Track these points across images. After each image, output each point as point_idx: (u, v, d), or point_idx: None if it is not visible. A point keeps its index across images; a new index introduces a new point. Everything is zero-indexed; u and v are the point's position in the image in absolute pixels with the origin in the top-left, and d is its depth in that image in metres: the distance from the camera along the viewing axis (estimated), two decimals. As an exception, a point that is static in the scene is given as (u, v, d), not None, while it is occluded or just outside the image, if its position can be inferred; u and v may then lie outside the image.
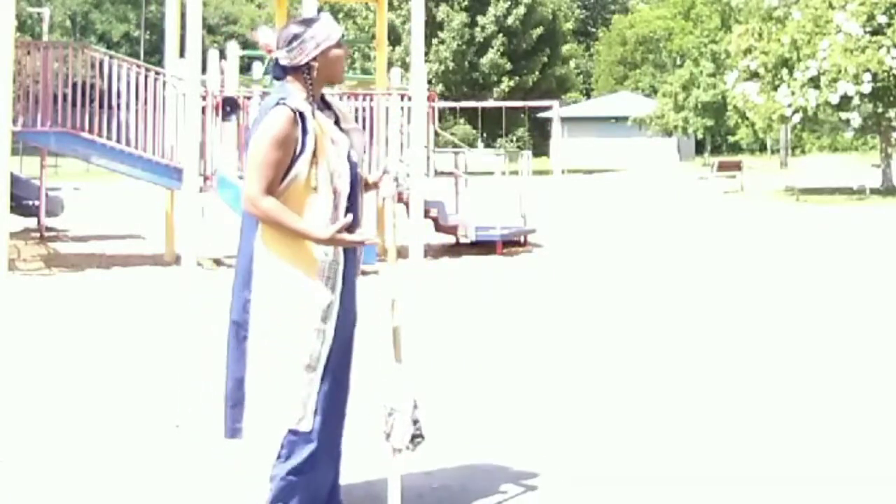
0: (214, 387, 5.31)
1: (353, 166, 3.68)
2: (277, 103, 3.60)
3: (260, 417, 3.56)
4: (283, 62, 3.69)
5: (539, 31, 50.77)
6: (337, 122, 3.75)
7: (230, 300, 3.71)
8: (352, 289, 3.68)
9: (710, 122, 50.99)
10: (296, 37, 3.66)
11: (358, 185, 3.73)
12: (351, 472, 3.91)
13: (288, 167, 3.55)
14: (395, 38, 44.32)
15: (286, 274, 3.54)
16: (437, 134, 15.74)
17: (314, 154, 3.56)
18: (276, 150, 3.53)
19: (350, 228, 3.58)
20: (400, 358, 3.79)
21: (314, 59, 3.66)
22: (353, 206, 3.65)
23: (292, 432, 3.53)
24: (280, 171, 3.54)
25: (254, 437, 3.59)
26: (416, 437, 3.70)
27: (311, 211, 3.54)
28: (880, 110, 27.77)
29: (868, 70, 26.12)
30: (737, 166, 32.59)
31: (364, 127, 12.48)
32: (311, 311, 3.53)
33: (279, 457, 3.56)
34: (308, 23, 3.73)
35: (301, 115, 3.58)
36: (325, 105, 3.77)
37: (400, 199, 3.87)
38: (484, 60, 49.17)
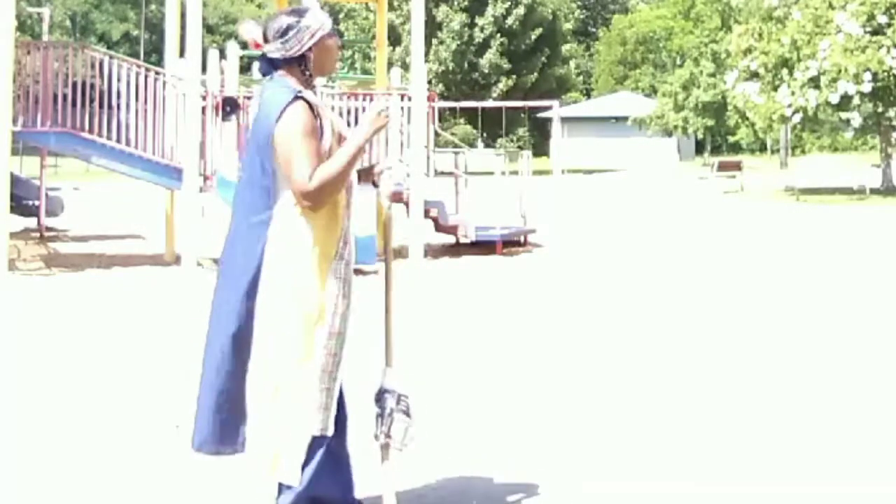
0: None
1: None
2: (295, 97, 3.49)
3: (282, 429, 3.46)
4: (275, 55, 3.59)
5: (539, 31, 50.78)
6: None
7: (220, 311, 3.55)
8: (354, 285, 3.67)
9: (710, 122, 50.98)
10: (290, 27, 3.57)
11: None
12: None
13: None
14: (395, 39, 44.32)
15: (302, 283, 3.46)
16: (437, 134, 15.73)
17: (329, 148, 3.53)
18: (310, 139, 3.46)
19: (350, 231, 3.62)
20: (391, 363, 3.77)
21: (310, 49, 3.58)
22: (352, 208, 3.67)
23: (315, 440, 3.48)
24: (319, 159, 3.46)
25: (282, 451, 3.47)
26: (409, 428, 3.68)
27: (330, 215, 3.52)
28: (880, 110, 27.79)
29: (868, 70, 26.13)
30: (737, 166, 32.61)
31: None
32: (330, 317, 3.49)
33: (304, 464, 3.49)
34: (300, 13, 3.62)
35: (317, 107, 3.55)
36: None
37: (399, 200, 3.86)
38: (483, 61, 49.17)
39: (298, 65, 3.59)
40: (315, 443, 3.49)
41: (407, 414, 3.67)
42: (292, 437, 3.46)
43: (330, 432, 3.50)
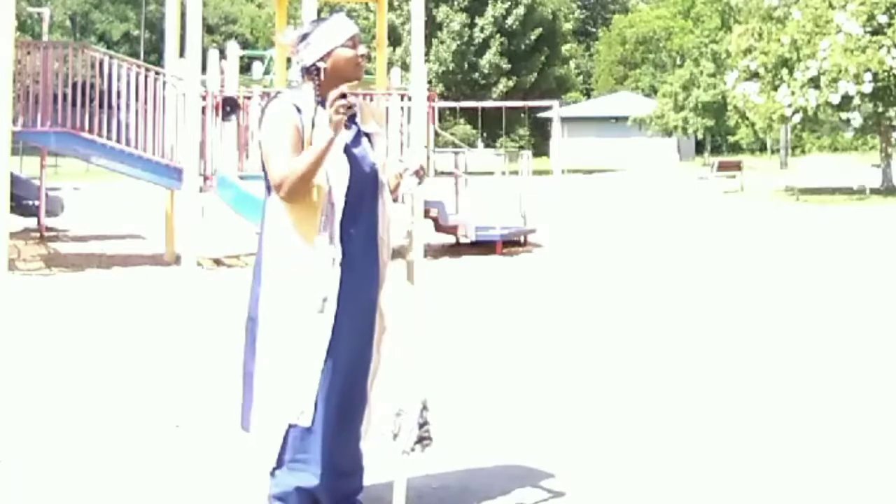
0: (215, 386, 5.32)
1: (369, 167, 3.65)
2: (274, 97, 3.65)
3: (264, 413, 3.55)
4: (297, 63, 3.66)
5: (538, 31, 50.80)
6: (353, 122, 3.70)
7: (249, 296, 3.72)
8: (367, 284, 3.65)
9: (710, 122, 50.99)
10: (304, 37, 3.62)
11: (378, 189, 3.69)
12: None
13: None
14: (395, 39, 44.35)
15: (286, 267, 3.55)
16: (437, 134, 15.74)
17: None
18: (284, 130, 3.52)
19: (367, 231, 3.63)
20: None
21: (321, 59, 3.60)
22: (368, 209, 3.64)
23: (293, 427, 3.51)
24: (296, 149, 3.50)
25: (258, 433, 3.58)
26: (424, 440, 3.68)
27: (306, 205, 3.53)
28: (881, 110, 27.78)
29: (868, 70, 26.13)
30: (737, 166, 32.62)
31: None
32: (307, 304, 3.51)
33: (281, 452, 3.54)
34: (318, 23, 3.68)
35: (298, 109, 3.57)
36: None
37: (395, 199, 3.86)
38: (483, 61, 49.19)
39: (312, 74, 3.62)
40: (313, 438, 3.51)
41: (421, 417, 3.68)
42: (269, 420, 3.53)
43: (304, 423, 3.49)
